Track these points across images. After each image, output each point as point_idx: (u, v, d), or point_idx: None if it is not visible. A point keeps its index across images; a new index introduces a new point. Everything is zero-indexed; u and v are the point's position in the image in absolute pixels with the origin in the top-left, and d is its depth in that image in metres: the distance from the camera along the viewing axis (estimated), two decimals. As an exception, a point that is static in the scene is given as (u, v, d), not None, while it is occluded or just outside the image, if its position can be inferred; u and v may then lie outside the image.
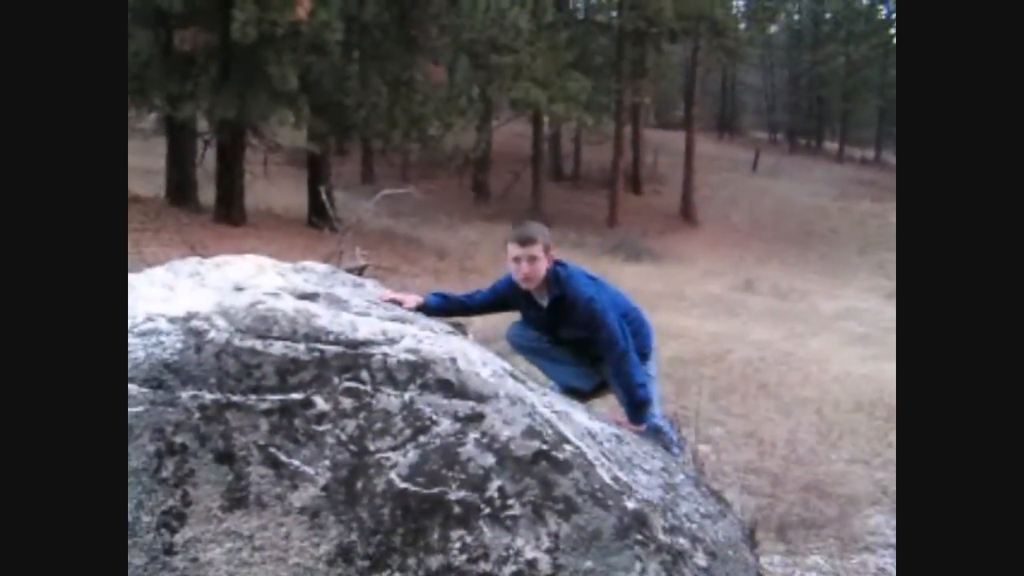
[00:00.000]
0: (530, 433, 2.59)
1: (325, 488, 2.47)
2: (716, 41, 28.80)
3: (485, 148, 24.75)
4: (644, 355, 3.75)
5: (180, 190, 18.18)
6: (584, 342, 3.63)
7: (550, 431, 2.63)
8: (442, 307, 3.63)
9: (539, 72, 21.16)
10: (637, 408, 3.50)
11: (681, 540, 2.63)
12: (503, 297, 3.76)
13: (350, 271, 4.42)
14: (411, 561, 2.44)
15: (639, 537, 2.54)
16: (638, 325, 3.78)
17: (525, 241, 3.52)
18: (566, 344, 3.72)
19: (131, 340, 2.64)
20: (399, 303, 3.37)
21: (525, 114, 27.58)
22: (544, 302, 3.60)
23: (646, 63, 29.35)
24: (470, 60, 18.13)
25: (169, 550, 2.42)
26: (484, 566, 2.44)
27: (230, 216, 16.98)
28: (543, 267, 3.53)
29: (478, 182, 28.48)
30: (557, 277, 3.57)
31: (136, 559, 2.38)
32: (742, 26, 32.58)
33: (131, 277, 3.31)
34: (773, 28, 41.71)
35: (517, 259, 3.53)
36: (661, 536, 2.58)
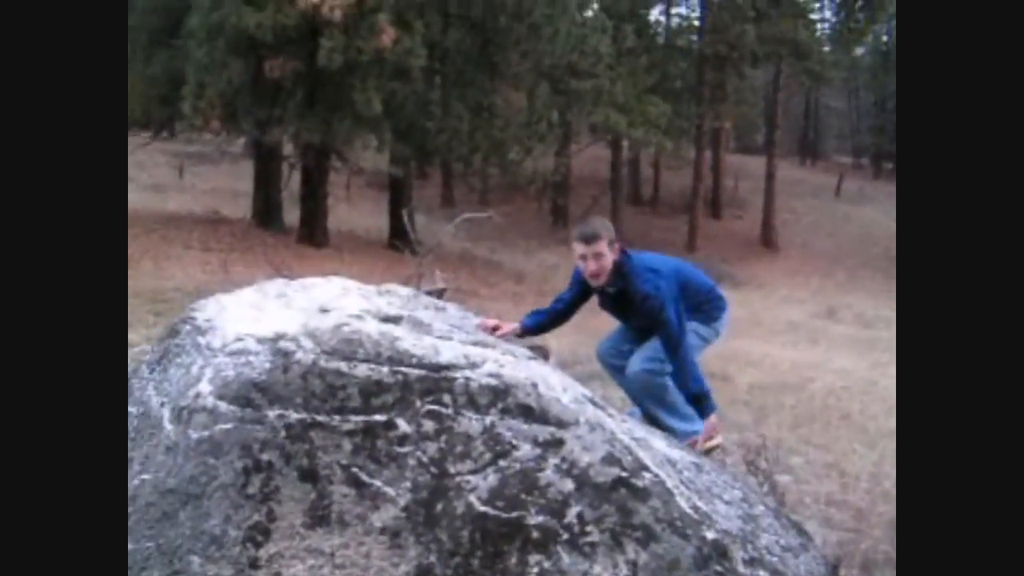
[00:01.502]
0: (609, 460, 2.59)
1: (405, 509, 2.50)
2: (799, 65, 28.45)
3: (564, 172, 24.83)
4: (711, 316, 3.92)
5: (266, 212, 18.68)
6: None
7: (629, 458, 2.62)
8: (540, 324, 3.76)
9: (619, 97, 21.21)
10: (697, 402, 3.63)
11: (761, 572, 2.59)
12: (583, 286, 3.84)
13: (430, 294, 4.49)
14: (489, 584, 2.46)
15: (718, 568, 2.52)
16: (707, 295, 3.96)
17: (590, 239, 3.59)
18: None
19: (221, 359, 2.73)
20: (496, 329, 3.46)
21: (604, 138, 27.60)
22: (612, 290, 3.70)
23: (727, 87, 29.16)
24: (550, 85, 18.27)
25: (254, 564, 2.48)
26: (561, 592, 2.44)
27: (313, 238, 17.36)
28: (609, 262, 3.61)
29: (557, 206, 28.56)
30: (620, 269, 3.64)
31: (224, 571, 2.45)
32: (826, 49, 32.11)
33: (221, 297, 3.42)
34: (859, 50, 40.95)
35: (583, 257, 3.62)
36: (741, 568, 2.55)
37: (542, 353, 3.46)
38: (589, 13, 20.23)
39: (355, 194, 23.21)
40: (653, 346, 3.77)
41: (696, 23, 30.67)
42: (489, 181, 26.78)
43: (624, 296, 3.67)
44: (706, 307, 3.97)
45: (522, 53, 17.10)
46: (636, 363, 3.81)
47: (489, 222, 19.25)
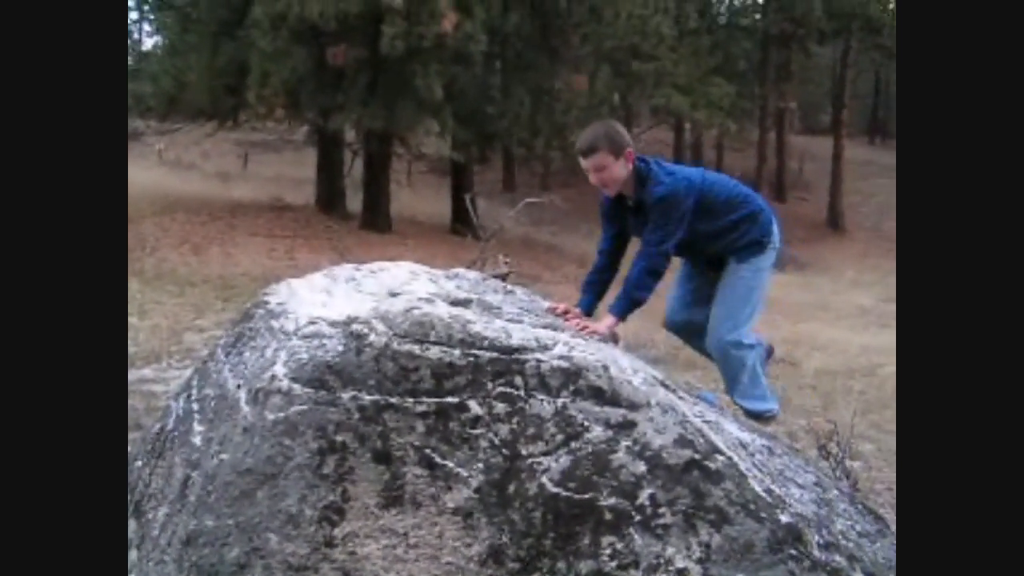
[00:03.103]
0: (682, 442, 2.57)
1: (478, 490, 2.52)
2: (870, 40, 27.75)
3: (626, 156, 24.64)
4: (762, 244, 3.72)
5: (329, 198, 18.92)
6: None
7: (702, 440, 2.60)
8: (596, 293, 3.68)
9: (681, 78, 20.97)
10: (626, 302, 3.44)
11: (837, 558, 2.56)
12: (611, 217, 3.71)
13: (494, 278, 4.50)
14: (561, 565, 2.46)
15: (793, 552, 2.49)
16: (752, 210, 3.71)
17: (587, 152, 3.44)
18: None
19: (295, 342, 2.77)
20: (567, 313, 3.39)
21: (667, 121, 27.33)
22: (631, 203, 3.56)
23: (792, 66, 28.69)
24: (611, 68, 18.14)
25: (329, 542, 2.52)
26: (634, 573, 2.44)
27: (376, 223, 17.53)
28: (617, 171, 3.43)
29: (618, 190, 28.34)
30: (639, 176, 3.47)
31: (300, 549, 2.49)
32: (897, 24, 31.27)
33: (293, 282, 3.47)
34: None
35: (586, 171, 3.47)
36: (816, 552, 2.52)
37: (612, 338, 3.43)
38: (650, -7, 20.01)
39: (417, 180, 23.37)
40: (726, 303, 3.70)
41: (760, 1, 30.17)
42: (550, 165, 26.73)
43: (643, 207, 3.48)
44: (745, 225, 3.69)
45: (583, 36, 17.02)
46: (714, 331, 3.75)
47: (550, 206, 19.23)
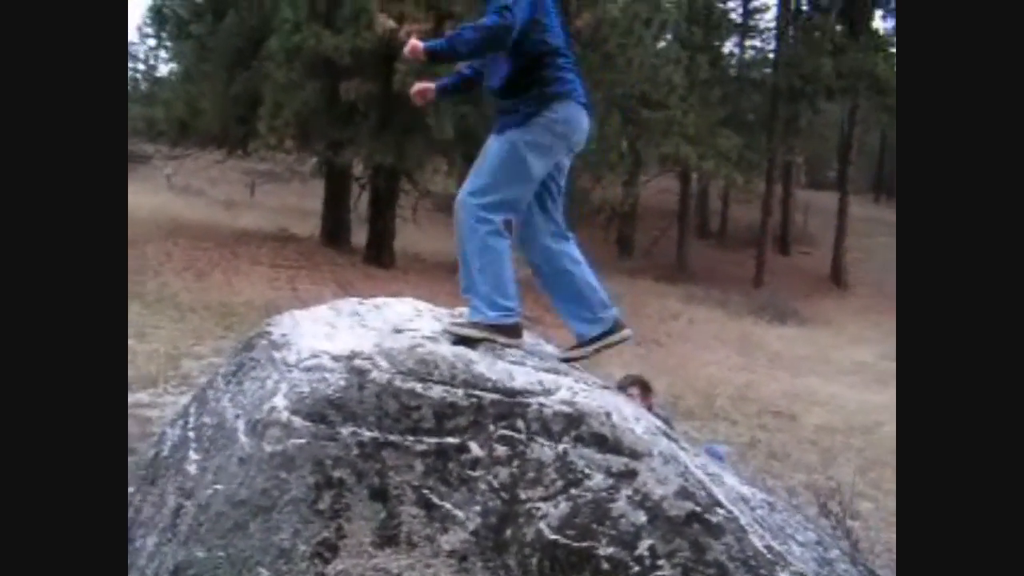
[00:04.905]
0: (683, 494, 2.54)
1: (475, 533, 2.48)
2: (877, 100, 27.90)
3: (632, 202, 24.74)
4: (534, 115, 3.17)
5: (334, 231, 18.95)
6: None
7: (703, 493, 2.57)
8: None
9: (690, 128, 21.09)
10: (445, 43, 3.12)
11: (837, 619, 2.51)
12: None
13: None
14: (555, 614, 2.42)
15: (792, 611, 2.44)
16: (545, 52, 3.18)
17: None
18: None
19: (296, 374, 2.75)
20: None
21: (674, 169, 27.45)
22: None
23: (800, 121, 28.82)
24: (621, 114, 18.25)
25: (321, 581, 2.48)
26: (630, 627, 2.39)
27: (380, 259, 17.53)
28: None
29: (623, 236, 28.43)
30: None
31: (291, 587, 2.45)
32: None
33: (296, 313, 3.46)
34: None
35: None
36: (816, 613, 2.47)
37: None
38: (662, 44, 20.19)
39: (422, 217, 23.41)
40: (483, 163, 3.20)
41: (771, 55, 30.44)
42: (557, 208, 26.73)
43: None
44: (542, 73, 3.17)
45: (595, 82, 17.12)
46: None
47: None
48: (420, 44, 3.08)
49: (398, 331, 3.08)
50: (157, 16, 19.89)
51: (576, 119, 3.22)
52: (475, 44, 3.08)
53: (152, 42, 24.75)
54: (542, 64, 3.16)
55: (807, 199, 34.30)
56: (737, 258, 28.85)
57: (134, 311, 10.87)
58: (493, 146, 3.22)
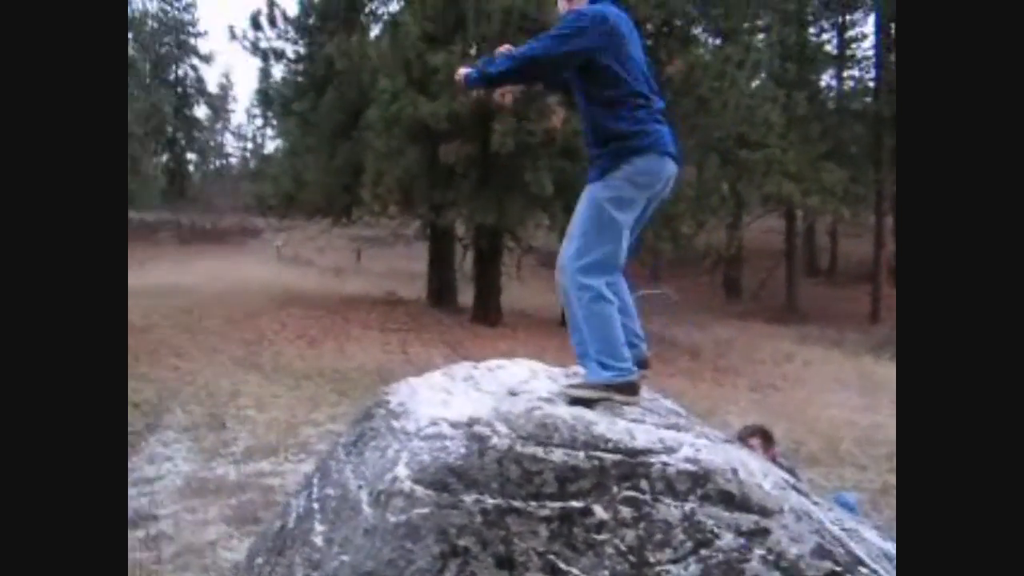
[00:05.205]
0: (820, 552, 2.43)
1: (604, 599, 2.42)
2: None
3: (737, 245, 24.37)
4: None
5: (440, 292, 19.22)
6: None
7: (842, 551, 2.45)
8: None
9: (791, 165, 20.72)
10: (474, 74, 3.18)
11: None
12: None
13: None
14: None
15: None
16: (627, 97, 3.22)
17: None
18: None
19: (416, 443, 2.76)
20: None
21: (777, 208, 26.98)
22: None
23: (907, 150, 28.00)
24: (720, 157, 18.07)
25: (451, 650, 2.45)
26: None
27: (487, 317, 17.66)
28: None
29: (730, 279, 28.00)
30: None
31: (422, 660, 2.43)
32: None
33: (412, 381, 3.49)
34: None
35: None
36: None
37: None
38: (756, 83, 19.99)
39: (527, 272, 23.56)
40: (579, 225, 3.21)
41: (871, 84, 29.76)
42: (661, 256, 26.62)
43: None
44: (620, 126, 3.21)
45: (691, 127, 17.04)
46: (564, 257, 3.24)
47: (660, 296, 19.05)
48: (462, 72, 3.22)
49: (514, 394, 3.07)
50: (263, 97, 20.78)
51: (657, 170, 3.23)
52: (505, 70, 3.15)
53: (259, 122, 25.87)
54: (619, 116, 3.20)
55: (920, 229, 33.14)
56: (850, 294, 28.00)
57: (253, 382, 11.21)
58: (583, 203, 3.27)
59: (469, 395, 3.13)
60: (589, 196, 3.23)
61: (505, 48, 3.25)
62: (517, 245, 19.52)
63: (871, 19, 29.50)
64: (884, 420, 11.79)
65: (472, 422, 2.72)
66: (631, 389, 3.08)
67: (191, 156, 50.04)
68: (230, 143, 55.17)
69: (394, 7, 18.95)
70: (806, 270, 30.55)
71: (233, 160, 55.30)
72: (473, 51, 15.07)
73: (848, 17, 30.09)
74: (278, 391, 10.81)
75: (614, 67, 3.16)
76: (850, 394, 14.41)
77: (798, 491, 2.73)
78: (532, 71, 3.22)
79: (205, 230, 36.10)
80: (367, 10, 19.64)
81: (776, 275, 27.61)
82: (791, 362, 17.35)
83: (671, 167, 3.26)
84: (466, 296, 18.95)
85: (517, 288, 20.71)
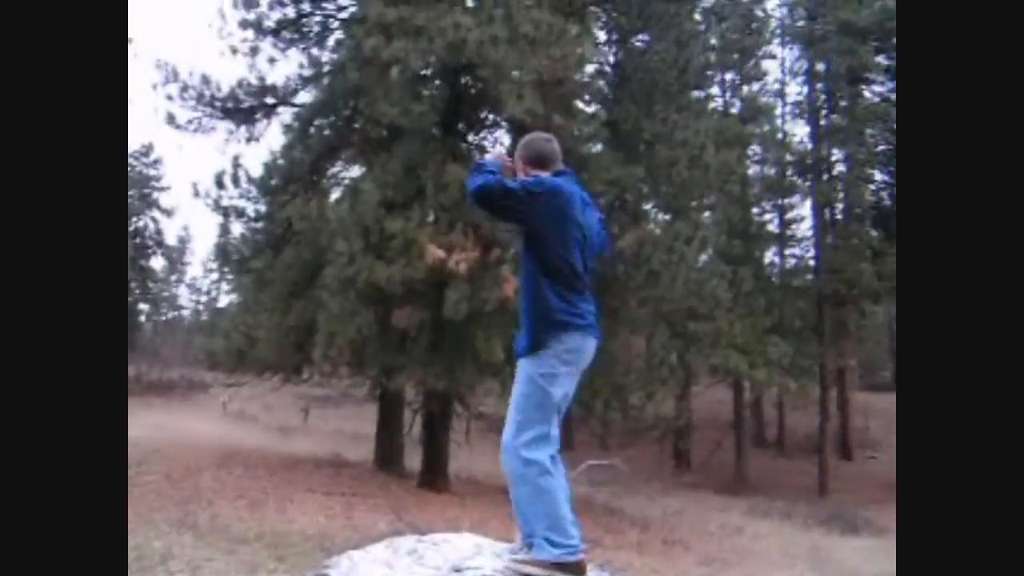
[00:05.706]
0: None
1: None
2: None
3: (687, 416, 24.49)
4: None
5: (388, 455, 18.93)
6: None
7: None
8: None
9: (738, 338, 21.16)
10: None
11: None
12: None
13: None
14: None
15: None
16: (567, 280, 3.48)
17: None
18: None
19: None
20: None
21: (725, 380, 27.33)
22: None
23: (848, 325, 28.80)
24: (668, 328, 18.41)
25: None
26: None
27: (435, 483, 17.36)
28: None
29: (679, 450, 27.98)
30: None
31: None
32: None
33: (354, 554, 3.42)
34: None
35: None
36: None
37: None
38: (704, 257, 20.64)
39: (476, 439, 23.36)
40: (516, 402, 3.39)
41: (811, 263, 30.87)
42: (610, 426, 26.59)
43: None
44: (550, 303, 3.39)
45: (640, 300, 17.43)
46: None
47: (610, 468, 18.92)
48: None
49: (458, 571, 3.03)
50: (221, 252, 20.90)
51: (582, 347, 3.40)
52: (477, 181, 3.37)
53: (215, 276, 25.97)
54: (553, 290, 3.36)
55: (865, 402, 33.67)
56: (798, 466, 28.06)
57: (186, 543, 10.76)
58: (518, 380, 3.41)
59: (411, 571, 3.08)
60: (523, 373, 3.38)
61: (495, 153, 3.49)
62: (466, 411, 19.44)
63: (808, 203, 31.02)
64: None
65: (413, 602, 2.67)
66: (578, 568, 3.06)
67: (143, 306, 49.71)
68: (184, 295, 54.98)
69: (355, 172, 19.45)
70: (754, 441, 30.63)
71: (186, 312, 54.98)
72: (431, 219, 15.43)
73: (787, 200, 31.48)
74: (213, 555, 10.38)
75: (552, 240, 3.34)
76: (802, 569, 14.24)
77: None
78: (488, 195, 3.38)
79: (152, 381, 35.47)
80: (329, 174, 20.11)
81: (725, 446, 27.63)
82: (741, 534, 17.17)
83: (593, 343, 3.44)
84: (413, 460, 18.66)
85: (466, 453, 20.50)
